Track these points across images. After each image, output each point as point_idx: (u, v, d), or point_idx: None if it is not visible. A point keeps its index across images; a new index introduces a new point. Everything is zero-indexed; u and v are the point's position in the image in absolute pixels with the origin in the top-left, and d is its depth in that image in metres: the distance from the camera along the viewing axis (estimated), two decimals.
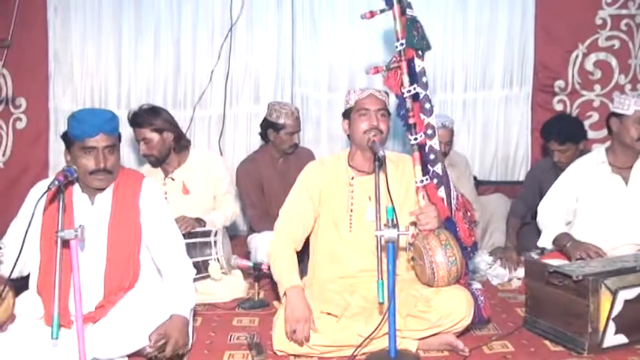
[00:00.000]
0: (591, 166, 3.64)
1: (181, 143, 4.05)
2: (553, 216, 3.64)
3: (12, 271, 2.60)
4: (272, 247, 3.15)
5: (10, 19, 4.96)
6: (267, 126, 4.37)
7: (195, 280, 3.14)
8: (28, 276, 2.96)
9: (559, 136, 4.28)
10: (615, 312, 2.84)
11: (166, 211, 3.10)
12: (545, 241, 3.59)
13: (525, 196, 4.54)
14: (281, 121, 4.31)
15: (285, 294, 2.93)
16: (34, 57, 5.19)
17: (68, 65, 5.36)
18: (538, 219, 3.74)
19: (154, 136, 3.91)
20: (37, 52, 5.20)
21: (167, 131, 3.95)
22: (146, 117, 3.92)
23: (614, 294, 2.83)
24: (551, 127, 4.43)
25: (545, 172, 4.29)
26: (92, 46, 5.38)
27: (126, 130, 3.72)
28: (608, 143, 3.77)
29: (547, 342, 3.03)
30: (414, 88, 3.04)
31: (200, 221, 3.87)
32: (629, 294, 2.86)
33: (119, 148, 2.93)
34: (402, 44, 3.04)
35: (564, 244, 3.45)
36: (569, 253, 3.40)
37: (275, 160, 4.46)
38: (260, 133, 4.51)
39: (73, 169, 2.71)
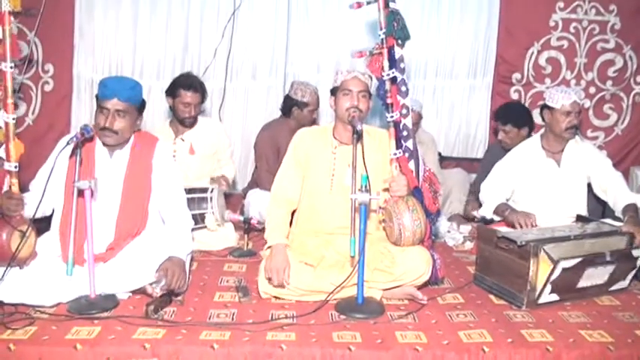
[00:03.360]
0: (529, 151, 3.65)
1: (203, 108, 4.03)
2: (494, 191, 3.62)
3: (35, 213, 2.58)
4: (269, 205, 3.15)
5: None
6: (292, 104, 4.27)
7: (193, 230, 3.15)
8: (50, 217, 2.93)
9: (503, 117, 4.36)
10: (553, 277, 2.86)
11: (174, 171, 3.10)
12: (487, 211, 3.57)
13: (482, 179, 4.51)
14: (306, 99, 4.23)
15: (270, 247, 2.96)
16: (62, 29, 5.06)
17: (90, 38, 5.24)
18: (480, 195, 3.73)
19: (200, 100, 3.90)
20: (64, 25, 5.07)
21: (205, 97, 3.97)
22: (200, 83, 3.89)
23: (556, 263, 2.84)
24: (500, 109, 4.51)
25: (496, 155, 4.15)
26: (111, 22, 5.25)
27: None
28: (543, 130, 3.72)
29: (492, 296, 3.05)
30: (393, 72, 3.01)
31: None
32: (568, 264, 2.88)
33: (134, 114, 2.88)
34: (384, 33, 3.00)
35: (504, 213, 3.44)
36: (508, 220, 3.39)
37: (293, 132, 4.36)
38: (281, 109, 4.40)
39: (90, 127, 2.67)
